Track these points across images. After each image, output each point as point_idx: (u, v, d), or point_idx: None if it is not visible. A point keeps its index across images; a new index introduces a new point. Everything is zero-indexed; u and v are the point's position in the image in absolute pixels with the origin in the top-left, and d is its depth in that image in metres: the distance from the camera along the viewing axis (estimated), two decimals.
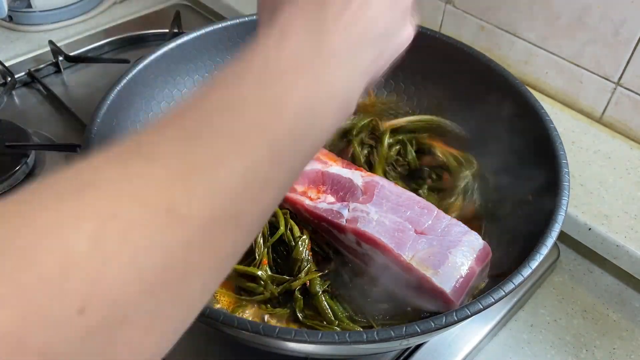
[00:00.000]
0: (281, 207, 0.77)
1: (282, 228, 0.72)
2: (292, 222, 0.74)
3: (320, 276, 0.69)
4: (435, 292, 0.63)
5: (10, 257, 0.24)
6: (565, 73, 1.00)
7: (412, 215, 0.69)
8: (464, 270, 0.64)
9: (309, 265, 0.70)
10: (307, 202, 0.73)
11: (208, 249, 0.31)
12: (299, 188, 0.76)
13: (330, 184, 0.75)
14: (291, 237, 0.72)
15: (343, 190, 0.74)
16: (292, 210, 0.75)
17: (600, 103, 0.98)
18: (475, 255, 0.66)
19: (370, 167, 0.84)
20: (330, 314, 0.66)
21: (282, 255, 0.73)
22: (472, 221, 0.76)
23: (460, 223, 0.69)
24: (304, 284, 0.69)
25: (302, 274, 0.69)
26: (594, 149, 0.92)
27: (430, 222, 0.68)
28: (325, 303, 0.67)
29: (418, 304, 0.67)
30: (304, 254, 0.70)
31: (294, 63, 0.37)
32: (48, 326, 0.24)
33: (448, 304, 0.63)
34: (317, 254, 0.73)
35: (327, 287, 0.69)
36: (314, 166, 0.77)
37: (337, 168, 0.76)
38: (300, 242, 0.71)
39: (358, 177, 0.75)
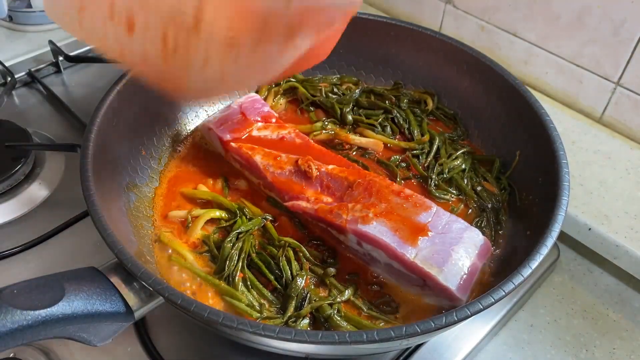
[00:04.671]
0: (279, 208, 0.77)
1: (281, 258, 0.69)
2: (291, 255, 0.69)
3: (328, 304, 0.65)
4: (440, 289, 0.63)
5: None
6: (565, 73, 1.00)
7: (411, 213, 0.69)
8: (467, 267, 0.64)
9: (309, 294, 0.66)
10: (303, 203, 0.73)
11: None
12: (295, 188, 0.75)
13: (326, 183, 0.75)
14: (288, 270, 0.68)
15: (340, 190, 0.74)
16: (291, 209, 0.75)
17: (600, 103, 0.98)
18: (477, 252, 0.66)
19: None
20: (351, 327, 0.64)
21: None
22: (471, 221, 0.76)
23: (459, 219, 0.69)
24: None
25: (306, 303, 0.65)
26: (594, 149, 0.92)
27: (430, 219, 0.68)
28: (343, 321, 0.64)
29: (422, 300, 0.67)
30: (300, 289, 0.66)
31: None
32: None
33: (453, 301, 0.63)
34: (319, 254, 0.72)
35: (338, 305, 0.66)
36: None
37: (331, 167, 0.76)
38: (298, 279, 0.66)
39: (353, 175, 0.75)
